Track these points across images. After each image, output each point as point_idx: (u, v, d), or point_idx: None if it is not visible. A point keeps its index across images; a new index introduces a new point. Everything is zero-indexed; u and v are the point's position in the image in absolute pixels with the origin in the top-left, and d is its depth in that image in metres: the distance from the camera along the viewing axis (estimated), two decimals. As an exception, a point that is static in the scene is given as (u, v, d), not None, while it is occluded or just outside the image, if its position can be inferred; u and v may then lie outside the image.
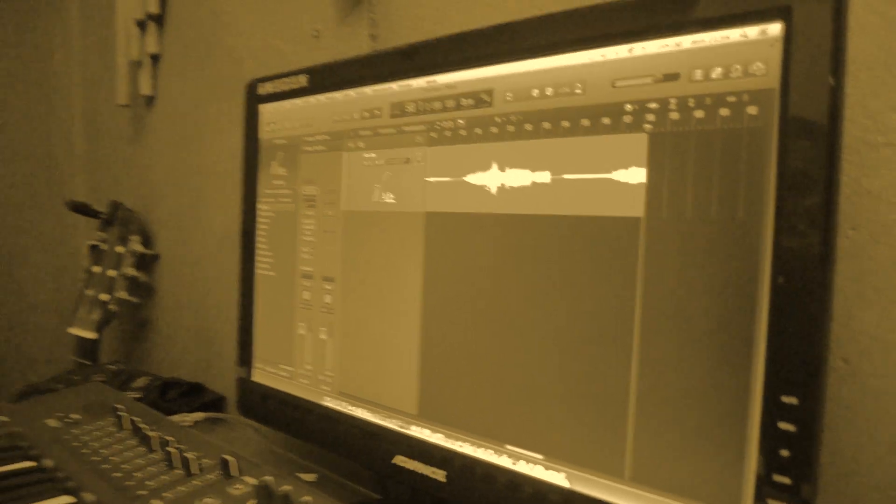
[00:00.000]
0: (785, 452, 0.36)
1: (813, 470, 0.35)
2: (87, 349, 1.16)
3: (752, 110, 0.38)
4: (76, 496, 0.56)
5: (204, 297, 1.07)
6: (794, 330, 0.35)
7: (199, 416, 0.86)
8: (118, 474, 0.59)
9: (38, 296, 1.43)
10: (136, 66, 1.16)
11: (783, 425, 0.36)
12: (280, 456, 0.79)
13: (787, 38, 0.36)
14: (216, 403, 0.97)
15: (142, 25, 1.13)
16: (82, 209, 1.19)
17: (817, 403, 0.35)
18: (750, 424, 0.37)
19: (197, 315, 1.09)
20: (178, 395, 0.95)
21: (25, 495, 0.57)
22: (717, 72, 0.39)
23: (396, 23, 0.74)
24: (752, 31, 0.38)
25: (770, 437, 0.36)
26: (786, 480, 0.36)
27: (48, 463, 0.62)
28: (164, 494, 0.55)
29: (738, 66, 0.38)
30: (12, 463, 0.64)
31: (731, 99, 0.38)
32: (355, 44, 0.77)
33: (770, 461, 0.36)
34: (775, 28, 0.37)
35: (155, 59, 1.14)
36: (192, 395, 0.96)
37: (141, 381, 0.99)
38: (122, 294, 1.14)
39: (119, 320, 1.23)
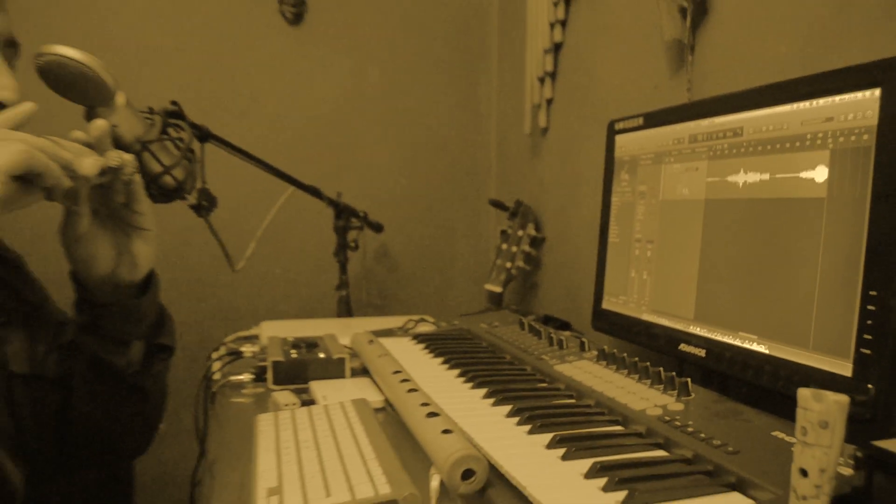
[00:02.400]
0: (870, 322, 0.68)
1: (886, 331, 0.67)
2: (495, 299, 1.71)
3: (865, 137, 0.71)
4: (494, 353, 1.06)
5: (573, 263, 1.54)
6: (878, 258, 0.68)
7: (566, 333, 1.33)
8: (523, 348, 1.08)
9: (464, 264, 2.07)
10: (536, 107, 1.68)
11: (870, 306, 0.68)
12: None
13: (882, 97, 0.69)
14: (567, 325, 1.43)
15: (541, 80, 1.65)
16: (498, 205, 1.75)
17: (889, 294, 0.67)
18: (856, 306, 0.70)
19: (568, 276, 1.56)
20: (554, 326, 1.43)
21: (461, 351, 1.08)
22: (851, 116, 0.73)
23: (702, 83, 1.12)
24: (867, 93, 0.71)
25: (864, 313, 0.69)
26: (870, 337, 0.68)
27: (481, 342, 1.14)
28: (544, 357, 1.02)
29: (861, 113, 0.71)
30: (459, 339, 1.18)
31: (857, 130, 0.72)
32: (678, 94, 1.16)
33: (862, 327, 0.69)
34: (876, 91, 0.70)
35: (549, 102, 1.65)
36: (555, 323, 1.43)
37: (530, 318, 1.49)
38: (520, 263, 1.66)
39: (516, 280, 1.76)
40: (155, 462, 1.71)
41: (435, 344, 1.19)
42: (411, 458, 0.75)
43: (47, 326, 0.91)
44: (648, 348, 1.03)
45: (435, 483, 0.68)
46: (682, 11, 1.08)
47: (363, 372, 1.11)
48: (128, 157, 0.78)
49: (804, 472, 0.51)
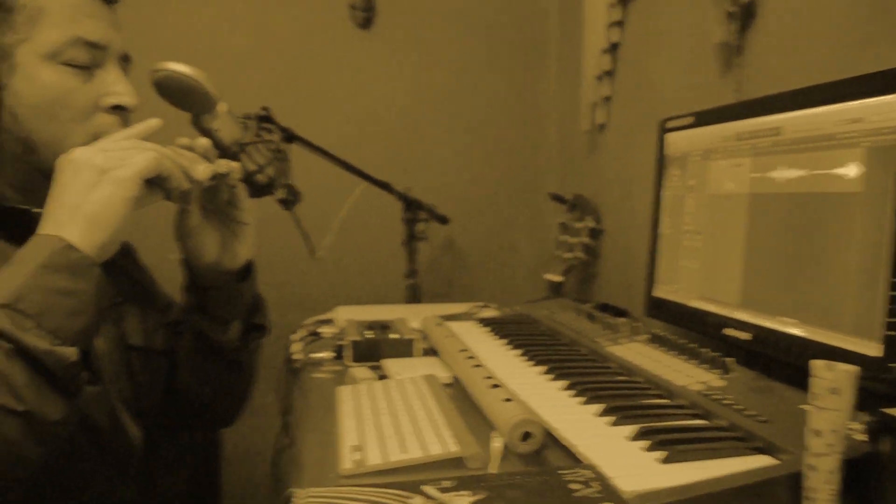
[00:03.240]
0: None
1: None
2: (555, 288, 1.80)
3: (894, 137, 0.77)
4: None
5: (630, 253, 1.61)
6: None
7: (620, 319, 1.41)
8: (578, 332, 1.17)
9: (525, 254, 2.16)
10: (594, 105, 1.76)
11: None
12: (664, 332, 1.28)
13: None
14: (624, 313, 1.51)
15: (599, 78, 1.72)
16: (557, 198, 1.83)
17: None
18: (886, 292, 0.77)
19: (625, 266, 1.64)
20: (611, 313, 1.51)
21: (523, 333, 1.18)
22: (881, 117, 0.79)
23: (750, 84, 1.18)
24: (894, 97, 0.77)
25: (893, 299, 0.76)
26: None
27: (541, 327, 1.23)
28: (598, 339, 1.11)
29: (890, 115, 0.78)
30: (520, 323, 1.27)
31: (887, 130, 0.78)
32: (727, 94, 1.23)
33: (892, 312, 0.75)
34: (903, 98, 0.76)
35: (606, 99, 1.72)
36: (612, 310, 1.51)
37: (588, 305, 1.58)
38: (579, 254, 1.74)
39: (575, 270, 1.84)
40: (239, 436, 1.85)
41: (498, 327, 1.29)
42: (476, 425, 0.85)
43: (156, 306, 1.05)
44: (697, 332, 1.11)
45: (497, 444, 0.78)
46: (730, 16, 1.14)
47: (431, 352, 1.22)
48: (234, 165, 0.91)
49: (817, 433, 0.59)
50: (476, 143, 2.12)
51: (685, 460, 0.68)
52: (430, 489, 0.62)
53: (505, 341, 1.19)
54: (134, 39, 0.95)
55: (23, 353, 0.66)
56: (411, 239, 1.79)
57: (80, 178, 0.74)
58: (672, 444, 0.70)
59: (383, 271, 1.98)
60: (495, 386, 0.89)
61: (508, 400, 0.83)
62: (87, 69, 0.86)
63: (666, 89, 1.47)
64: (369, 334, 1.23)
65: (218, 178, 0.89)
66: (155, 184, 0.79)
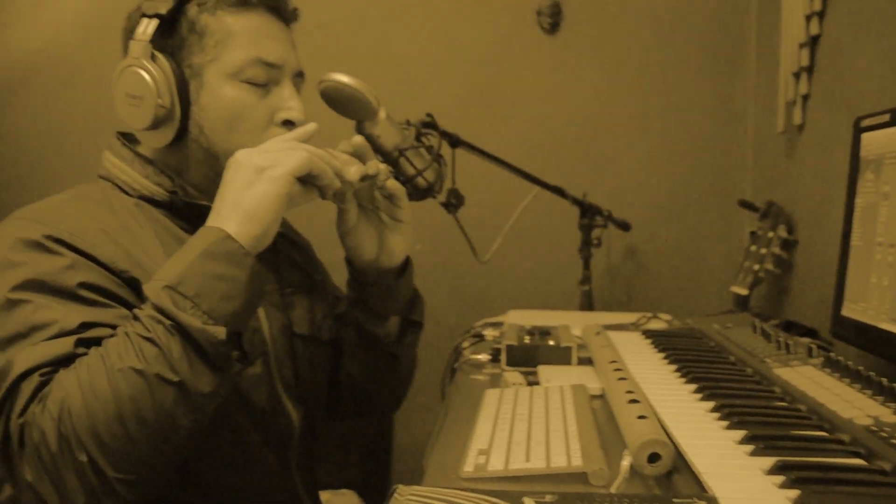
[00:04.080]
0: None
1: None
2: (741, 301, 1.68)
3: None
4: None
5: (826, 268, 1.46)
6: None
7: (804, 340, 1.28)
8: (749, 350, 1.09)
9: (711, 265, 2.03)
10: (790, 104, 1.62)
11: None
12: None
13: None
14: (813, 333, 1.37)
15: (796, 75, 1.58)
16: (748, 205, 1.71)
17: None
18: None
19: (820, 281, 1.49)
20: (796, 332, 1.38)
21: (688, 350, 1.12)
22: None
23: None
24: None
25: None
26: None
27: (710, 342, 1.16)
28: (767, 360, 1.02)
29: None
30: (688, 337, 1.20)
31: None
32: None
33: None
34: None
35: (805, 98, 1.58)
36: (799, 329, 1.38)
37: (770, 322, 1.46)
38: (769, 266, 1.61)
39: (765, 283, 1.70)
40: (409, 429, 1.94)
41: (661, 340, 1.23)
42: (612, 441, 0.82)
43: (325, 298, 1.13)
44: (885, 359, 0.99)
45: (626, 463, 0.75)
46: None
47: (588, 361, 1.19)
48: (383, 167, 0.96)
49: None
50: (663, 146, 2.04)
51: None
52: (529, 501, 0.61)
53: (663, 355, 1.14)
54: (308, 50, 1.03)
55: (179, 329, 0.75)
56: (587, 245, 1.76)
57: (240, 176, 0.82)
58: (811, 482, 0.63)
59: (558, 277, 1.97)
60: (634, 401, 0.85)
61: (643, 417, 0.79)
62: (264, 86, 0.95)
63: (870, 85, 1.32)
64: (526, 339, 1.23)
65: (368, 178, 0.94)
66: (309, 182, 0.86)
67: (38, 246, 0.82)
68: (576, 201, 1.73)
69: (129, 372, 0.73)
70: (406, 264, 1.05)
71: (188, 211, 0.94)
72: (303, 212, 0.94)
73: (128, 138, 0.99)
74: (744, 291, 1.67)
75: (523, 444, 0.80)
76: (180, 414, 0.75)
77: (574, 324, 1.39)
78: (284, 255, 1.10)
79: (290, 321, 1.04)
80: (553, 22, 2.00)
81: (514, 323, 1.39)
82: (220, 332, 0.76)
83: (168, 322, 0.74)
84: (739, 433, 0.77)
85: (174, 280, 0.76)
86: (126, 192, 0.95)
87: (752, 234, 1.71)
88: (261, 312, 0.98)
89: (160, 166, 0.96)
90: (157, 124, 0.92)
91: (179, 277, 0.76)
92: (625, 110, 2.04)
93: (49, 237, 0.83)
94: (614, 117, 2.04)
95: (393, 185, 0.99)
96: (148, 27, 0.91)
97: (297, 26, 1.03)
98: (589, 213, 1.74)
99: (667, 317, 1.55)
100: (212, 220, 0.82)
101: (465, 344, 1.39)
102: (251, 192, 0.81)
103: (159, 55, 0.91)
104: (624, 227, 1.82)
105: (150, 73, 0.90)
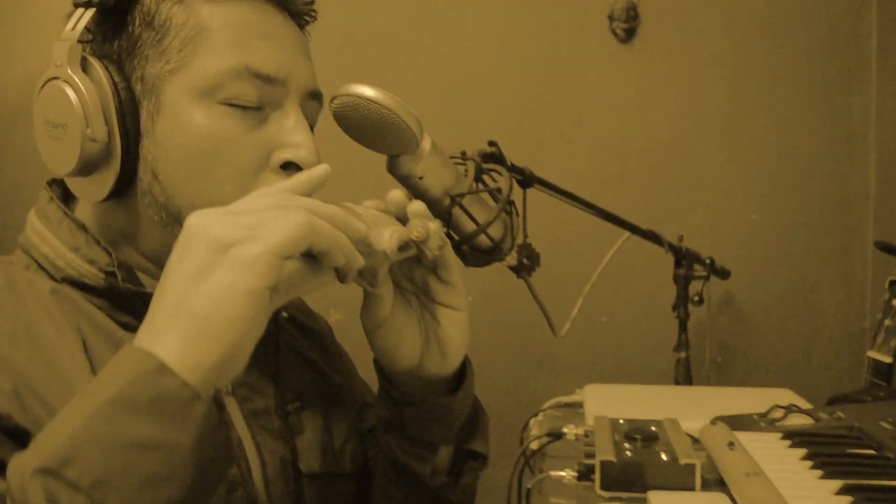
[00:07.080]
0: None
1: None
2: (882, 371, 1.33)
3: None
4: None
5: None
6: None
7: None
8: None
9: (832, 320, 1.72)
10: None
11: None
12: None
13: None
14: None
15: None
16: (886, 248, 1.36)
17: None
18: None
19: None
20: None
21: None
22: None
23: None
24: None
25: None
26: None
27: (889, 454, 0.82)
28: None
29: None
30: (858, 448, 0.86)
31: None
32: None
33: None
34: None
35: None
36: None
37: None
38: (923, 328, 1.26)
39: (915, 350, 1.36)
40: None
41: (819, 450, 0.89)
42: None
43: (348, 411, 0.81)
44: None
45: None
46: None
47: (715, 483, 0.86)
48: (433, 227, 0.63)
49: None
50: (765, 174, 1.75)
51: None
52: None
53: (820, 472, 0.80)
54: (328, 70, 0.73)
55: None
56: (683, 301, 1.42)
57: (191, 258, 0.49)
58: None
59: (644, 338, 1.69)
60: None
61: None
62: (256, 110, 0.64)
63: None
64: (628, 451, 0.90)
65: (412, 246, 0.62)
66: (316, 260, 0.54)
67: None
68: (671, 247, 1.39)
69: None
70: (464, 370, 0.73)
71: (132, 299, 0.64)
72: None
73: (66, 190, 0.68)
74: (887, 359, 1.33)
75: None
76: None
77: (676, 408, 1.08)
78: (289, 349, 0.78)
79: (293, 454, 0.72)
80: (628, 28, 1.73)
81: (601, 416, 1.05)
82: None
83: None
84: None
85: (54, 457, 0.43)
86: (48, 272, 0.64)
87: (892, 283, 1.36)
88: (248, 444, 0.67)
89: (97, 233, 0.65)
90: (87, 168, 0.62)
91: (65, 451, 0.44)
92: (715, 131, 1.76)
93: None
94: (703, 139, 1.76)
95: (449, 254, 0.67)
96: (80, 21, 0.60)
97: (318, 38, 0.74)
98: (686, 261, 1.41)
99: (805, 404, 1.20)
100: (141, 337, 0.50)
101: (535, 445, 1.07)
102: (207, 287, 0.48)
103: (94, 62, 0.61)
104: (723, 275, 1.50)
105: (77, 90, 0.60)
